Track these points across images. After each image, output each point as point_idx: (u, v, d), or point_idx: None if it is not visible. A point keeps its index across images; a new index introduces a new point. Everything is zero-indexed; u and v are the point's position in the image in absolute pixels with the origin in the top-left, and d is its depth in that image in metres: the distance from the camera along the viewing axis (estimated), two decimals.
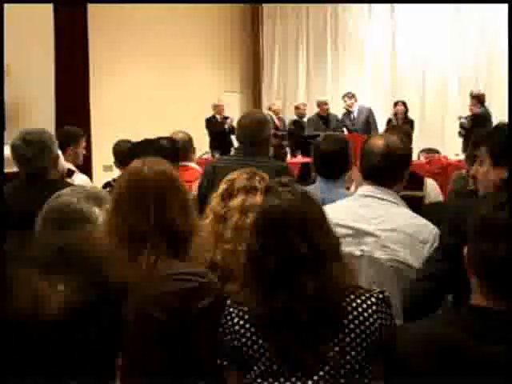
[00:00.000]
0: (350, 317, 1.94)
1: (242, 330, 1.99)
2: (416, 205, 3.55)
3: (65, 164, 4.23)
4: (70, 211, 2.21)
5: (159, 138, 4.17)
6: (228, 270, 2.57)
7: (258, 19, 14.73)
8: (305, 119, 11.73)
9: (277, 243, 1.95)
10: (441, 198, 3.98)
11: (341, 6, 13.97)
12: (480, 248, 1.58)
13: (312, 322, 1.91)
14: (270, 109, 11.95)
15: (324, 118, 11.37)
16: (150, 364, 1.93)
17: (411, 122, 10.82)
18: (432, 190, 4.05)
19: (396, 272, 2.65)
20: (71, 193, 2.27)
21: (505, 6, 11.97)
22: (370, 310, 1.94)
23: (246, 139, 3.96)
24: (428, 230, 2.66)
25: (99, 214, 2.33)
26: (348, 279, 2.00)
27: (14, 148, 3.53)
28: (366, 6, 13.72)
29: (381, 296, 1.98)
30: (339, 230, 2.57)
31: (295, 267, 1.93)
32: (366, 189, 2.81)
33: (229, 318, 2.02)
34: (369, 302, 1.95)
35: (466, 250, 1.64)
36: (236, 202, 2.61)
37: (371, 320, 1.94)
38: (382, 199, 2.76)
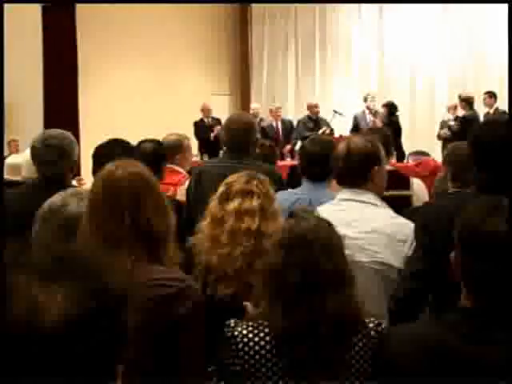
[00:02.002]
0: (359, 345, 2.01)
1: (252, 352, 1.99)
2: (404, 204, 3.57)
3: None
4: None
5: (144, 141, 4.16)
6: (223, 274, 2.56)
7: (247, 21, 14.75)
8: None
9: (302, 258, 2.00)
10: (427, 198, 4.00)
11: (329, 7, 14.00)
12: (467, 260, 1.59)
13: (329, 338, 1.96)
14: (271, 112, 11.97)
15: (314, 119, 11.41)
16: (134, 372, 1.91)
17: (391, 124, 10.59)
18: (419, 189, 4.06)
19: (378, 274, 2.67)
20: (74, 199, 2.25)
21: (492, 6, 12.07)
22: (371, 343, 2.02)
23: (234, 142, 3.94)
24: (407, 229, 2.67)
25: None
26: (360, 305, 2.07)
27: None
28: (354, 6, 13.75)
29: (379, 329, 2.05)
30: None
31: (318, 283, 1.99)
32: (344, 192, 2.84)
33: (233, 341, 2.01)
34: (371, 334, 2.03)
35: (452, 255, 1.64)
36: (232, 205, 2.62)
37: (370, 353, 2.00)
38: (361, 201, 2.79)
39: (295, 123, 11.85)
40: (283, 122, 11.86)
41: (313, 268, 1.99)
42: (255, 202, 2.62)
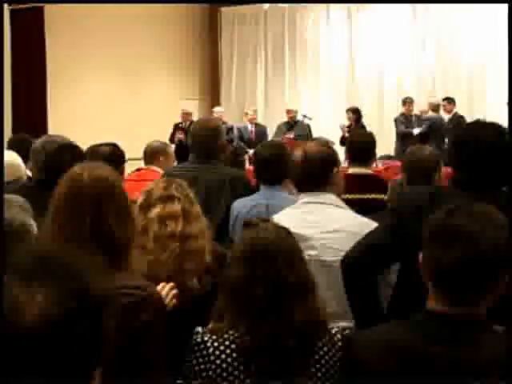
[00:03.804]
0: (323, 349, 2.03)
1: (218, 361, 1.99)
2: (378, 206, 3.62)
3: (28, 172, 4.13)
4: (18, 226, 2.23)
5: (102, 144, 4.17)
6: (155, 279, 2.57)
7: (216, 24, 14.67)
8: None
9: (266, 271, 2.01)
10: None
11: (298, 8, 13.94)
12: (430, 255, 1.63)
13: (297, 348, 1.97)
14: (246, 115, 11.94)
15: (291, 125, 11.43)
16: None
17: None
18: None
19: None
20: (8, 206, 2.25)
21: (460, 7, 12.22)
22: (336, 346, 2.04)
23: (201, 146, 3.94)
24: (370, 227, 2.70)
25: (33, 224, 2.32)
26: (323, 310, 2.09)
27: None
28: (323, 7, 13.70)
29: (345, 334, 2.08)
30: None
31: (283, 295, 2.00)
32: (305, 196, 2.90)
33: (203, 346, 2.01)
34: (335, 339, 2.05)
35: (420, 256, 1.68)
36: (154, 212, 2.61)
37: (337, 356, 2.02)
38: (323, 203, 2.85)
39: (267, 127, 11.88)
40: (257, 125, 11.85)
41: (276, 281, 2.00)
42: (177, 206, 2.63)
